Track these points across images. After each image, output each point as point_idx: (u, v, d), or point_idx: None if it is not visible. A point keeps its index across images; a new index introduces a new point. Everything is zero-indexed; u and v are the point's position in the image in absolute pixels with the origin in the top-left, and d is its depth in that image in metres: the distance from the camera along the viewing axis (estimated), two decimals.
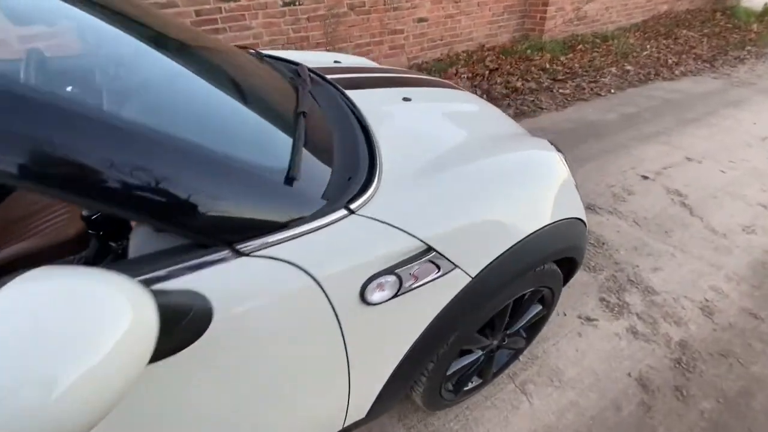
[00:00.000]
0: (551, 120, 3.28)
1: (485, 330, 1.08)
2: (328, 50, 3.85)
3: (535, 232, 0.91)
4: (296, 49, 3.67)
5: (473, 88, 3.69)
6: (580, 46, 4.81)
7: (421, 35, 4.34)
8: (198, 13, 3.19)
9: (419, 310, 0.80)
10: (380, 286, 0.70)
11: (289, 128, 0.78)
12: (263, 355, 0.64)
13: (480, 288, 0.84)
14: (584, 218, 1.11)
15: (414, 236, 0.73)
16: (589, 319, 1.58)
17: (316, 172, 0.74)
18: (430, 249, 0.75)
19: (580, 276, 1.77)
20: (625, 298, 1.66)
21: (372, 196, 0.74)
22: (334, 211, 0.68)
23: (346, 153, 0.84)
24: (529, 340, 1.30)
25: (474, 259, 0.83)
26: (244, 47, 1.35)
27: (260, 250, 0.60)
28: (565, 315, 1.60)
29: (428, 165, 0.88)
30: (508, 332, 1.16)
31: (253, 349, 0.62)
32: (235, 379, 0.63)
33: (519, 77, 3.92)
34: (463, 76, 3.98)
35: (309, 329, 0.66)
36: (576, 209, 1.08)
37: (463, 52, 4.66)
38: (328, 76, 1.23)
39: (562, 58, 4.46)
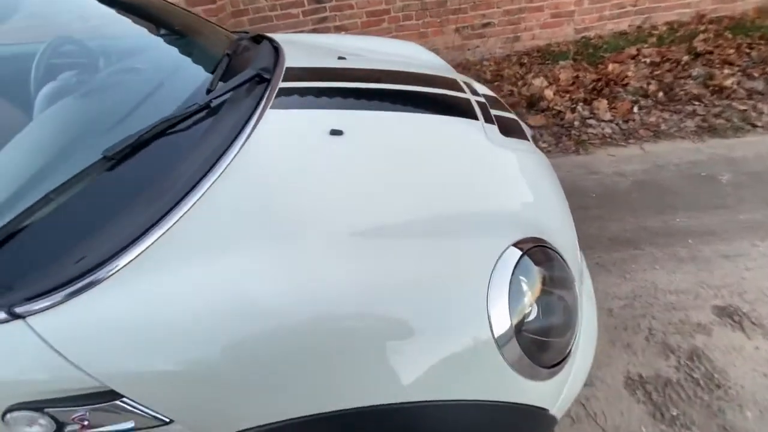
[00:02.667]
0: (761, 149, 2.07)
1: None
2: (441, 22, 3.35)
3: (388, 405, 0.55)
4: (425, 11, 3.31)
5: (648, 81, 2.62)
6: None
7: None
8: None
9: None
10: (31, 422, 0.53)
11: None
12: None
13: None
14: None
15: (83, 370, 0.52)
16: None
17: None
18: (113, 392, 0.52)
19: None
20: None
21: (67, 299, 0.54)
22: None
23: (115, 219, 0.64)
24: None
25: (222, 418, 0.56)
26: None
27: None
28: None
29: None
30: None
31: None
32: None
33: (738, 71, 2.57)
34: (643, 61, 2.87)
35: None
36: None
37: (665, 24, 3.33)
38: (289, 84, 0.97)
39: None
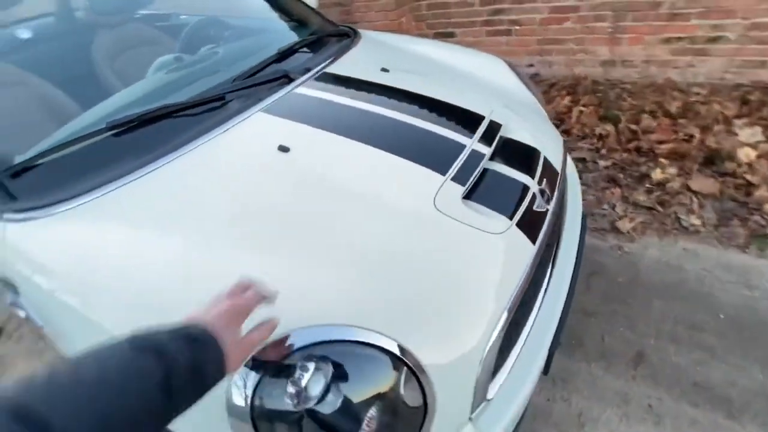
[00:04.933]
0: None
1: None
2: (648, 29, 2.59)
3: None
4: (628, 12, 2.70)
5: None
6: None
7: None
8: None
9: None
10: None
11: None
12: None
13: None
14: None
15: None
16: None
17: None
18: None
19: None
20: None
21: None
22: None
23: None
24: None
25: None
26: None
27: None
28: None
29: None
30: None
31: None
32: None
33: None
34: None
35: None
36: None
37: None
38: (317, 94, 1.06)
39: None
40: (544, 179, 0.92)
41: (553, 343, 0.85)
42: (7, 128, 1.00)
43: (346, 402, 0.59)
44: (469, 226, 0.76)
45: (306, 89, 1.08)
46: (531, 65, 3.26)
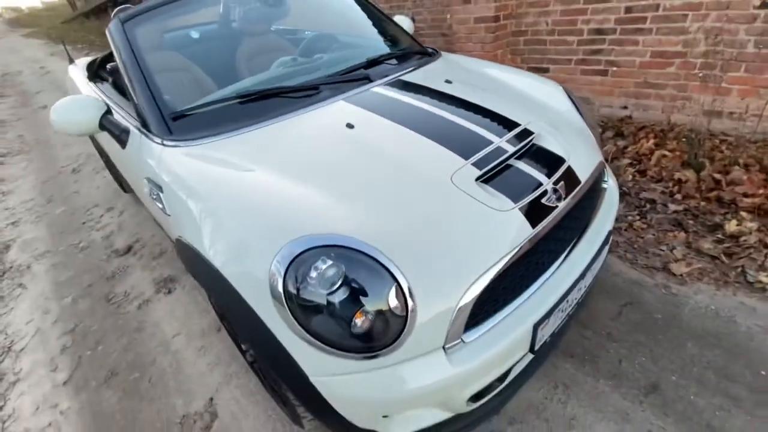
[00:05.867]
0: None
1: None
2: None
3: None
4: (742, 62, 2.56)
5: None
6: None
7: None
8: (628, 9, 2.90)
9: None
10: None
11: None
12: None
13: None
14: None
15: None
16: None
17: None
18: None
19: None
20: None
21: None
22: None
23: None
24: None
25: None
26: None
27: None
28: None
29: None
30: None
31: None
32: None
33: None
34: None
35: None
36: None
37: None
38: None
39: None
40: (562, 182, 1.05)
41: (538, 322, 0.96)
42: (175, 93, 1.45)
43: (351, 296, 0.81)
44: (474, 199, 0.94)
45: (379, 89, 1.36)
46: (625, 107, 3.20)
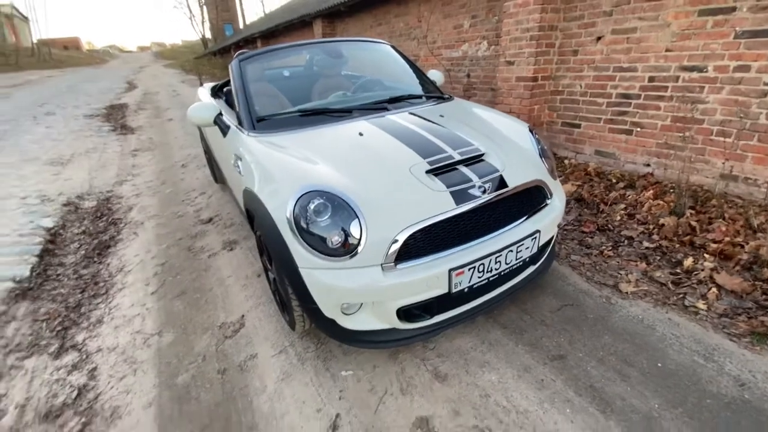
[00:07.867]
0: None
1: None
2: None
3: None
4: (755, 133, 2.77)
5: None
6: None
7: None
8: (651, 78, 3.26)
9: None
10: None
11: None
12: None
13: None
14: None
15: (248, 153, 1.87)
16: None
17: None
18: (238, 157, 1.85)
19: None
20: None
21: None
22: None
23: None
24: None
25: None
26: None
27: None
28: None
29: None
30: None
31: None
32: None
33: None
34: None
35: None
36: None
37: None
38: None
39: None
40: (490, 183, 1.53)
41: (454, 268, 1.42)
42: (262, 106, 2.20)
43: (331, 223, 1.37)
44: (420, 182, 1.47)
45: (391, 116, 1.98)
46: (647, 164, 3.44)
